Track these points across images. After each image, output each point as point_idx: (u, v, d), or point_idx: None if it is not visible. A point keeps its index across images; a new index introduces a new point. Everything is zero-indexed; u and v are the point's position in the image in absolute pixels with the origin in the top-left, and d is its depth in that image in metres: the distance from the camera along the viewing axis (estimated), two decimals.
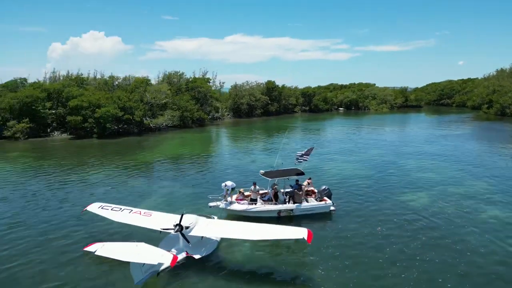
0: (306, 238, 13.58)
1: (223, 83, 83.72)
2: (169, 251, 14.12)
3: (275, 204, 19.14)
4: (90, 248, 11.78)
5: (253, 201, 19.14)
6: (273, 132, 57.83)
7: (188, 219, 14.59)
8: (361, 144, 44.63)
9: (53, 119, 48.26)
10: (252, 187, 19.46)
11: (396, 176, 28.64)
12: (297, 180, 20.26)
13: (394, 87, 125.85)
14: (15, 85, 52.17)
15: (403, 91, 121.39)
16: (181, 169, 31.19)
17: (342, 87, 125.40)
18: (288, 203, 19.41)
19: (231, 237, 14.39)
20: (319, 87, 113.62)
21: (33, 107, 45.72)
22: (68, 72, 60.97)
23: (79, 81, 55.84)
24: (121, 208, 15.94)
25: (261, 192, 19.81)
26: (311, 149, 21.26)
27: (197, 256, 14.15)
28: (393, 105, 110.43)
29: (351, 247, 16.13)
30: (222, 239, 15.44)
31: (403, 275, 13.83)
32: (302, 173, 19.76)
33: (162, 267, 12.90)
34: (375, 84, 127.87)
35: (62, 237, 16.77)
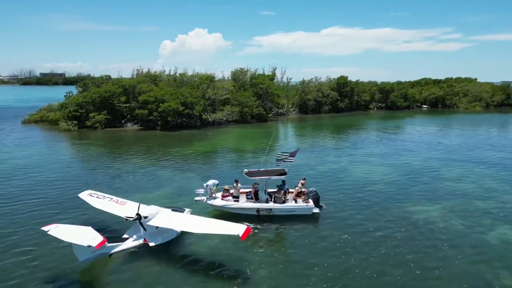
0: (240, 234, 14.25)
1: (290, 79, 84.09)
2: (131, 237, 16.16)
3: (254, 202, 19.82)
4: (45, 228, 14.24)
5: (235, 198, 20.09)
6: (337, 130, 56.73)
7: (148, 210, 16.35)
8: (413, 146, 41.47)
9: (127, 112, 54.92)
10: (234, 184, 20.40)
11: (423, 184, 26.51)
12: (283, 181, 20.56)
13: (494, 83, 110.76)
14: (100, 81, 60.61)
15: (504, 87, 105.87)
16: (216, 162, 33.35)
17: (435, 82, 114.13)
18: (271, 203, 19.91)
19: (177, 229, 15.74)
20: (399, 83, 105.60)
21: (110, 101, 52.79)
22: (176, 68, 69.93)
23: (153, 78, 62.29)
24: (104, 197, 18.36)
25: (246, 190, 20.62)
26: (296, 151, 21.27)
27: (151, 244, 15.83)
28: (490, 103, 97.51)
29: (302, 252, 16.10)
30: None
31: None
32: (284, 173, 20.00)
33: (114, 250, 14.94)
34: (476, 79, 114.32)
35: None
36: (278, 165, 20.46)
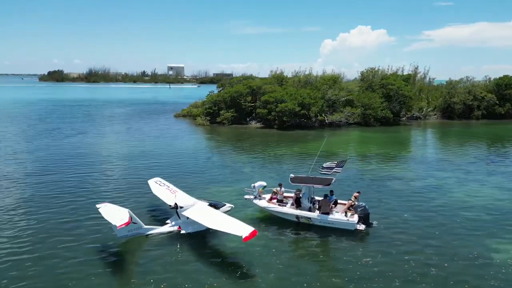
0: (244, 236, 14.82)
1: (433, 78, 74.37)
2: (170, 223, 18.61)
3: (295, 209, 19.64)
4: (98, 205, 17.77)
5: (279, 201, 20.35)
6: (481, 139, 48.39)
7: (186, 201, 18.45)
8: None
9: (251, 111, 59.60)
10: (278, 188, 20.67)
11: None
12: (331, 191, 19.75)
13: None
14: (234, 81, 67.27)
15: None
16: (307, 165, 33.67)
17: None
18: (316, 212, 19.41)
19: (197, 221, 17.14)
20: None
21: (238, 100, 58.35)
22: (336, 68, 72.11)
23: (280, 79, 65.37)
24: (164, 184, 21.20)
25: (291, 195, 20.60)
26: (344, 161, 19.76)
27: (183, 231, 17.88)
28: None
29: (318, 266, 15.37)
30: None
31: None
32: (329, 183, 19.11)
33: (150, 232, 17.61)
34: None
35: None
36: (325, 173, 19.63)
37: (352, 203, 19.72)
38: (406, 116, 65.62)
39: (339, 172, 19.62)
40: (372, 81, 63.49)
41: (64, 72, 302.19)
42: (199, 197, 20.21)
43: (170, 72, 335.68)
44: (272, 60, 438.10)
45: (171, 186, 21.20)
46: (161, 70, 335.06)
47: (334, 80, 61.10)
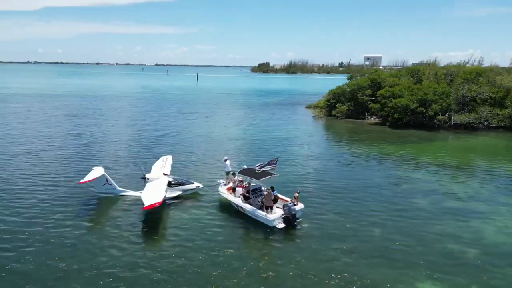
0: (144, 206, 18.13)
1: None
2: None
3: (235, 197, 20.90)
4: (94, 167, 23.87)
5: (233, 189, 21.61)
6: None
7: (154, 175, 22.75)
8: None
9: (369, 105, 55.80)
10: (232, 176, 22.19)
11: None
12: (272, 187, 19.89)
13: None
14: (365, 72, 63.52)
15: None
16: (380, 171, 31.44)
17: None
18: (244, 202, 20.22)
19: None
20: None
21: (356, 94, 55.90)
22: None
23: (414, 72, 57.48)
24: (166, 162, 25.48)
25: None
26: (276, 159, 20.21)
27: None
28: None
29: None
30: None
31: None
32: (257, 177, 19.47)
33: (122, 193, 22.75)
34: None
35: None
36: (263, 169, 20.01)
37: (280, 197, 19.99)
38: None
39: (274, 168, 19.84)
40: None
41: (270, 64, 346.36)
42: (179, 175, 24.19)
43: (366, 63, 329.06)
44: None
45: (168, 163, 25.55)
46: (358, 61, 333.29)
47: (477, 73, 49.48)
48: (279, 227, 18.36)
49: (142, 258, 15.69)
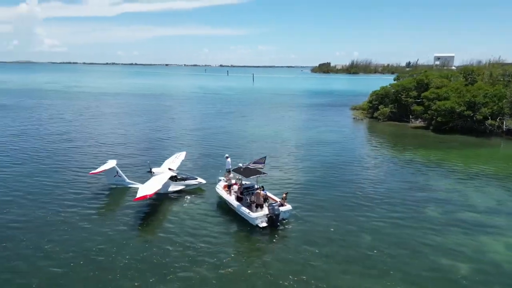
0: (135, 197, 19.28)
1: None
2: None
3: (229, 195, 21.13)
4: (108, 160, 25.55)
5: (229, 187, 21.95)
6: None
7: (160, 170, 23.83)
8: None
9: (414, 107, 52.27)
10: (227, 174, 22.45)
11: None
12: (262, 186, 20.06)
13: None
14: (415, 72, 59.50)
15: None
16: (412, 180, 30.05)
17: None
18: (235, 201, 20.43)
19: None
20: None
21: (399, 95, 52.80)
22: None
23: (467, 73, 52.48)
24: (177, 158, 26.52)
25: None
26: (264, 157, 20.26)
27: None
28: None
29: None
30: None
31: None
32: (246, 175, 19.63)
33: (130, 185, 24.24)
34: None
35: None
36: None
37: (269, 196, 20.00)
38: None
39: (262, 167, 20.00)
40: None
41: (331, 64, 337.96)
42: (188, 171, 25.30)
43: (437, 62, 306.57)
44: None
45: (179, 159, 26.59)
46: (427, 60, 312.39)
47: None
48: (261, 226, 18.31)
49: (124, 248, 16.65)
